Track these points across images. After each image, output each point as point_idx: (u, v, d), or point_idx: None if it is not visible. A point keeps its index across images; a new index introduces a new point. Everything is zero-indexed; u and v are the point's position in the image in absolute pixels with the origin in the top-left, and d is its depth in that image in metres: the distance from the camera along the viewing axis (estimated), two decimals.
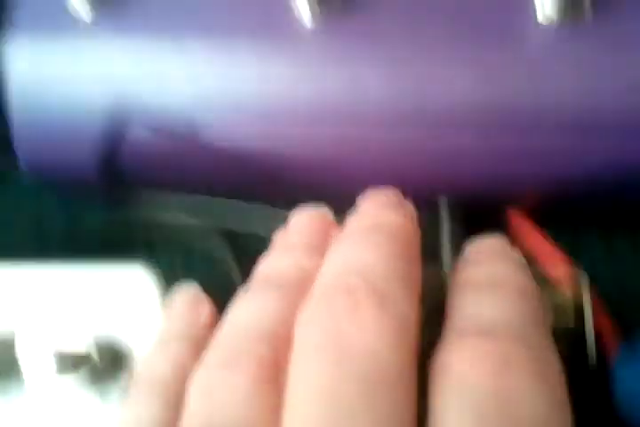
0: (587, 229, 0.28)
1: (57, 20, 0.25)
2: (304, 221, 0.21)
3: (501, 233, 0.20)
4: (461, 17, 0.23)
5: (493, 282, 0.17)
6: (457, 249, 0.20)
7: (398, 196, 0.20)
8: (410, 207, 0.20)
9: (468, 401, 0.14)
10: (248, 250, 0.24)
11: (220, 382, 0.16)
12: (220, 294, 0.21)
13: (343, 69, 0.23)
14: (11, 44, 0.25)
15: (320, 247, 0.19)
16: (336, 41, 0.23)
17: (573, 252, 0.25)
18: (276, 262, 0.19)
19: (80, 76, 0.25)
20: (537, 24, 0.23)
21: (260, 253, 0.20)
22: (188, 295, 0.23)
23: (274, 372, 0.16)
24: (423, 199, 0.21)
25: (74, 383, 0.23)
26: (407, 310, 0.16)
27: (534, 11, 0.23)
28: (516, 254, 0.19)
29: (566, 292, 0.24)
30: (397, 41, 0.23)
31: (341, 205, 0.20)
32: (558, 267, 0.24)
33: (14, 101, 0.25)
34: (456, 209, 0.25)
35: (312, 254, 0.19)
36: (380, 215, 0.19)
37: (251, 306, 0.18)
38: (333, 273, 0.17)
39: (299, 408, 0.15)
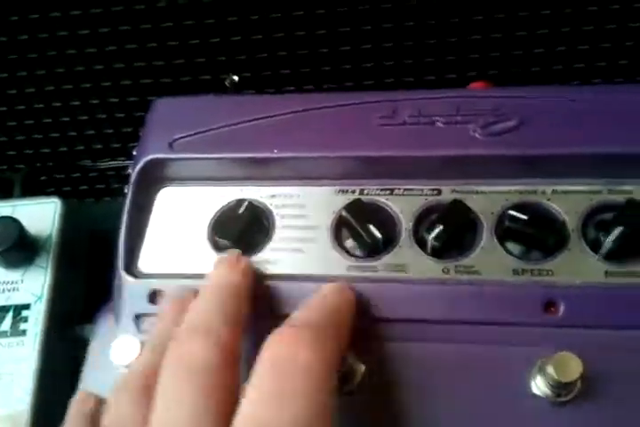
0: None
1: None
2: (170, 302, 0.32)
3: None
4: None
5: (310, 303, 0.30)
6: None
7: (234, 257, 0.32)
8: (244, 264, 0.32)
9: (268, 356, 0.26)
10: None
11: (116, 401, 0.28)
12: None
13: None
14: None
15: (182, 311, 0.30)
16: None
17: None
18: (156, 330, 0.31)
19: None
20: (533, 396, 0.29)
21: None
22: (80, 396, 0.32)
23: (146, 389, 0.27)
24: None
25: None
26: (226, 335, 0.27)
27: (531, 385, 0.29)
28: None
29: None
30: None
31: None
32: None
33: None
34: None
35: (176, 319, 0.29)
36: (218, 276, 0.31)
37: (140, 356, 0.30)
38: (184, 325, 0.28)
39: (158, 398, 0.26)
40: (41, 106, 0.47)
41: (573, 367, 0.28)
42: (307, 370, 0.25)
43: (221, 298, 0.29)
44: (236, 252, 0.33)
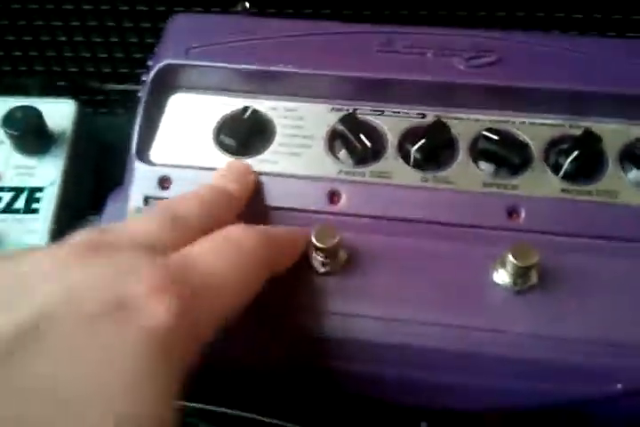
0: None
1: None
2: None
3: None
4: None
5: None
6: None
7: (245, 168, 0.36)
8: (251, 179, 0.35)
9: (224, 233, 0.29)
10: None
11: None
12: None
13: None
14: None
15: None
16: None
17: None
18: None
19: None
20: (495, 284, 0.33)
21: None
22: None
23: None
24: None
25: None
26: (196, 224, 0.30)
27: (493, 276, 0.33)
28: None
29: None
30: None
31: None
32: None
33: None
34: None
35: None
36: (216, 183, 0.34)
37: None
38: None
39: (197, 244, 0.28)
40: (59, 24, 0.50)
41: (531, 254, 0.32)
42: (247, 251, 0.29)
43: (209, 199, 0.33)
44: (245, 163, 0.36)
